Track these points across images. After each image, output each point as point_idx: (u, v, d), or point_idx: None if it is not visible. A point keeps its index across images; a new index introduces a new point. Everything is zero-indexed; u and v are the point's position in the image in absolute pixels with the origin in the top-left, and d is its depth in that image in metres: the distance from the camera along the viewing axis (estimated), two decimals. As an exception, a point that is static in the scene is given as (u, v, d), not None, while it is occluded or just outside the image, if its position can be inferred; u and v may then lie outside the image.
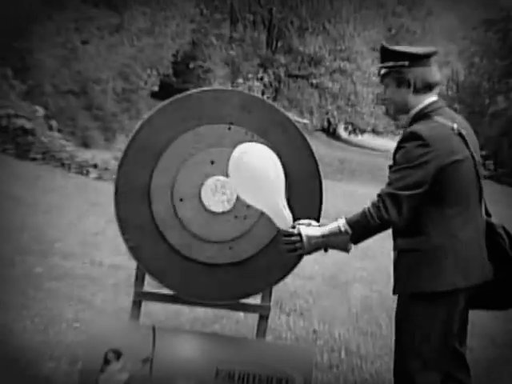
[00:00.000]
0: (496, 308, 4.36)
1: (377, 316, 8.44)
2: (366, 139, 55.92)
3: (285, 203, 4.18)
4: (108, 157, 19.27)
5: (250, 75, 38.01)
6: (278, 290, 6.46)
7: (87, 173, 18.46)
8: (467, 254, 3.97)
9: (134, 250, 4.72)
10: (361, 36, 45.50)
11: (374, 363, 6.71)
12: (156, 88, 29.41)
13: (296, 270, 4.85)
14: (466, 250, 3.97)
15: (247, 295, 4.86)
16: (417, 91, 4.11)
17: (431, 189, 3.91)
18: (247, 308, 5.02)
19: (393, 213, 3.87)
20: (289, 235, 4.12)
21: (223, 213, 4.69)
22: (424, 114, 4.08)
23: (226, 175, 4.32)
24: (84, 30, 26.58)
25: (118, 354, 4.71)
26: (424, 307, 4.01)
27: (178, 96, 4.82)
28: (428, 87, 4.12)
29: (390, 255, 4.24)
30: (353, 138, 54.74)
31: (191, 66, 36.55)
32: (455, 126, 3.99)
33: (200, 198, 4.68)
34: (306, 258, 4.80)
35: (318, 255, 4.35)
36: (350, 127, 52.23)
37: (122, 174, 4.70)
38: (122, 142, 20.76)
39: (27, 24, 22.92)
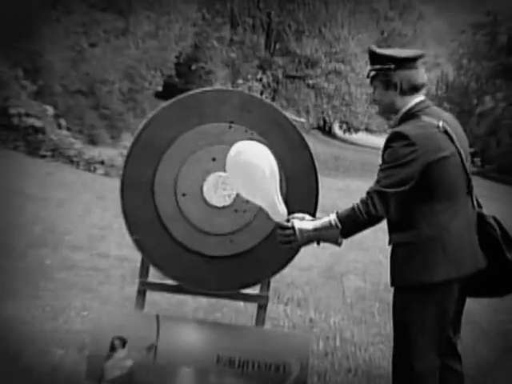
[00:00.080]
0: (492, 295, 4.36)
1: (370, 305, 8.44)
2: (360, 137, 55.90)
3: (279, 198, 4.19)
4: (114, 154, 19.26)
5: (249, 76, 38.07)
6: (276, 280, 6.47)
7: (94, 169, 18.46)
8: (458, 246, 3.97)
9: (139, 243, 4.73)
10: (355, 39, 45.47)
11: (368, 350, 6.71)
12: (160, 88, 29.39)
13: (293, 262, 4.85)
14: (456, 241, 3.96)
15: (247, 285, 4.86)
16: (403, 93, 4.11)
17: (420, 185, 3.90)
18: (247, 298, 5.01)
19: (380, 209, 3.89)
20: (283, 228, 4.14)
21: (224, 207, 4.69)
22: (411, 114, 4.08)
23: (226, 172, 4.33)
24: (91, 33, 26.59)
25: (123, 342, 4.72)
26: (419, 298, 4.01)
27: (181, 96, 4.82)
28: (414, 89, 4.12)
29: (383, 248, 4.26)
30: (347, 136, 54.74)
31: (193, 67, 36.56)
32: (440, 123, 3.98)
33: (202, 193, 4.68)
34: (303, 251, 4.80)
35: (314, 248, 4.35)
36: (344, 126, 52.21)
37: (127, 171, 4.71)
38: (127, 140, 20.74)
39: (37, 27, 22.92)
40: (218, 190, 4.67)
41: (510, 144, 35.53)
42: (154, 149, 4.68)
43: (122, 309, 6.39)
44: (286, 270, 5.00)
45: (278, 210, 4.17)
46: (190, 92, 4.87)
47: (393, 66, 4.09)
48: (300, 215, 4.21)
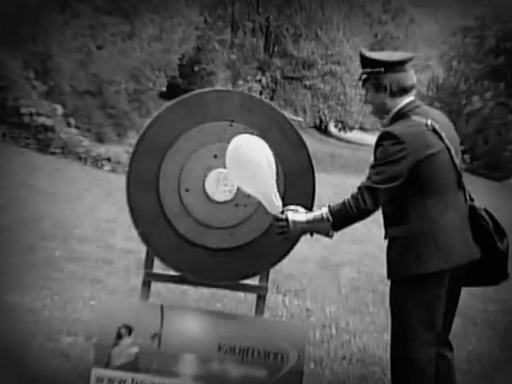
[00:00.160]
0: (487, 284, 4.37)
1: (364, 296, 8.45)
2: (355, 135, 55.84)
3: (275, 191, 4.22)
4: (120, 151, 19.27)
5: (249, 77, 38.06)
6: (275, 272, 6.47)
7: (101, 166, 18.46)
8: (449, 238, 3.98)
9: (144, 236, 4.72)
10: (350, 42, 45.41)
11: (362, 338, 6.71)
12: (164, 89, 29.37)
13: (291, 254, 4.85)
14: (448, 234, 3.97)
15: (247, 277, 4.86)
16: (393, 94, 4.12)
17: (411, 181, 3.93)
18: (246, 288, 5.01)
19: (370, 204, 3.92)
20: (278, 220, 4.18)
21: (225, 202, 4.68)
22: (402, 114, 4.10)
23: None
24: (98, 36, 26.56)
25: (129, 330, 4.72)
26: (414, 290, 4.03)
27: (184, 96, 4.81)
28: (404, 90, 4.13)
29: (376, 241, 4.26)
30: (342, 134, 54.66)
31: (196, 68, 36.51)
32: (429, 122, 3.99)
33: (204, 188, 4.67)
34: (300, 243, 4.82)
35: (311, 241, 4.37)
36: (340, 125, 52.14)
37: (132, 167, 4.70)
38: (133, 138, 20.74)
39: (47, 31, 22.93)
40: (219, 186, 4.67)
41: (497, 142, 35.59)
42: (158, 146, 4.68)
43: (127, 299, 6.39)
44: (284, 262, 5.00)
45: (274, 202, 4.20)
46: (193, 92, 4.87)
47: (382, 70, 4.10)
48: (294, 207, 4.24)
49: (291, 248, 4.81)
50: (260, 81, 40.43)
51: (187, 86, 29.61)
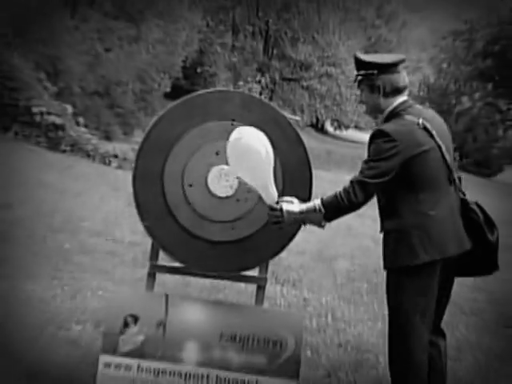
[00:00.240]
0: (478, 274, 4.37)
1: (358, 286, 8.45)
2: (350, 134, 55.87)
3: (272, 181, 4.24)
4: (127, 148, 19.26)
5: (249, 78, 38.01)
6: (274, 263, 6.47)
7: (109, 162, 18.45)
8: (441, 231, 3.98)
9: (150, 229, 4.72)
10: (345, 45, 45.43)
11: (356, 327, 6.71)
12: (168, 89, 29.38)
13: (289, 247, 4.85)
14: (439, 227, 3.98)
15: (247, 268, 4.85)
16: (386, 95, 4.13)
17: (403, 177, 3.95)
18: (247, 279, 5.01)
19: (360, 197, 3.94)
20: (273, 209, 4.20)
21: (226, 197, 4.68)
22: (395, 114, 4.11)
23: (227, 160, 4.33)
24: (106, 39, 26.57)
25: (135, 319, 4.72)
26: (408, 280, 4.04)
27: (187, 96, 4.81)
28: (397, 91, 4.13)
29: (370, 234, 4.26)
30: (338, 132, 54.70)
31: (199, 70, 36.55)
32: (420, 121, 4.00)
33: (206, 184, 4.67)
34: (298, 237, 4.82)
35: (308, 234, 4.37)
36: (335, 123, 52.20)
37: (139, 164, 4.70)
38: (139, 136, 20.78)
39: (57, 34, 22.94)
40: (221, 182, 4.67)
41: (485, 140, 35.65)
42: (163, 144, 4.67)
43: (134, 289, 6.38)
44: (283, 254, 5.00)
45: (270, 192, 4.23)
46: (196, 93, 4.86)
47: (376, 72, 4.11)
48: (289, 199, 4.26)
49: (289, 241, 4.81)
50: (260, 82, 40.42)
51: (190, 87, 29.66)
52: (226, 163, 4.46)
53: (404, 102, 4.14)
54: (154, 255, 4.86)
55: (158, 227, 4.72)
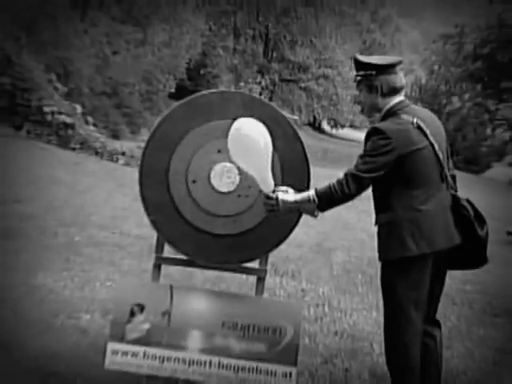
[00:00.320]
0: (468, 268, 4.35)
1: (354, 277, 8.44)
2: (346, 132, 55.81)
3: (269, 171, 4.23)
4: (133, 146, 19.27)
5: (250, 80, 38.07)
6: (273, 255, 6.45)
7: (116, 159, 18.47)
8: (431, 225, 3.97)
9: (155, 223, 4.72)
10: (341, 48, 45.47)
11: (352, 316, 6.70)
12: (173, 90, 29.39)
13: (288, 240, 4.85)
14: (430, 221, 3.97)
15: (248, 260, 4.85)
16: (384, 95, 4.12)
17: (396, 173, 3.95)
18: (248, 271, 5.00)
19: (353, 189, 3.95)
20: (269, 198, 4.19)
21: (228, 192, 4.67)
22: (392, 112, 4.10)
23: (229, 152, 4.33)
24: (114, 42, 26.60)
25: (141, 308, 4.72)
26: (400, 270, 4.03)
27: (191, 97, 4.80)
28: (394, 91, 4.13)
29: (365, 228, 4.26)
30: (334, 131, 54.64)
31: (202, 72, 36.57)
32: (415, 120, 3.99)
33: (209, 180, 4.67)
34: (296, 230, 4.81)
35: (307, 228, 4.36)
36: (332, 122, 52.14)
37: (145, 161, 4.70)
38: (145, 135, 20.79)
39: (68, 38, 22.96)
40: (223, 178, 4.67)
41: (474, 139, 35.66)
42: (167, 142, 4.67)
43: (140, 280, 6.38)
44: (282, 247, 4.99)
45: (267, 181, 4.22)
46: (199, 93, 4.86)
47: (374, 72, 4.10)
48: (284, 188, 4.27)
49: (288, 234, 4.81)
50: (260, 83, 40.48)
51: (194, 88, 29.65)
52: (229, 161, 4.47)
53: (400, 102, 4.13)
54: (159, 248, 4.86)
55: (163, 221, 4.72)
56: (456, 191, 4.25)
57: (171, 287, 4.80)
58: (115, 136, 23.36)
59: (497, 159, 36.94)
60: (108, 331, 4.83)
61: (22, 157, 14.90)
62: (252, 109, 4.69)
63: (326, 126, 55.42)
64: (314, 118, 48.40)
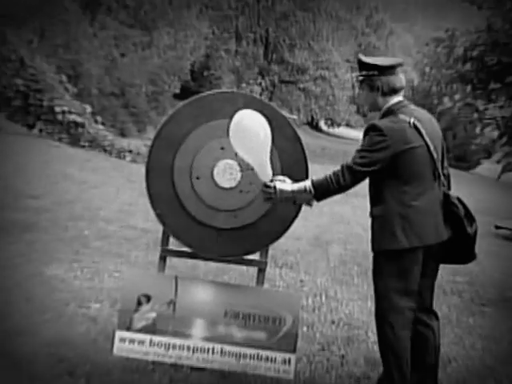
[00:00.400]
0: (457, 262, 4.36)
1: (350, 269, 8.44)
2: (342, 131, 55.73)
3: (268, 161, 4.25)
4: (140, 144, 19.26)
5: (251, 81, 38.03)
6: (273, 248, 6.46)
7: (124, 157, 18.45)
8: (421, 221, 3.99)
9: (161, 217, 4.72)
10: (337, 51, 45.34)
11: (348, 305, 6.71)
12: (178, 91, 29.32)
13: (287, 233, 4.85)
14: (420, 217, 3.98)
15: (249, 252, 4.85)
16: (384, 94, 4.14)
17: (390, 169, 3.97)
18: (249, 263, 5.00)
19: (348, 180, 3.98)
20: (267, 187, 4.21)
21: (231, 188, 4.68)
22: (390, 111, 4.11)
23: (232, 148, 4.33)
24: (122, 45, 26.58)
25: (148, 298, 4.72)
26: (389, 261, 4.06)
27: (195, 97, 4.80)
28: (393, 91, 4.15)
29: (361, 222, 4.26)
30: (331, 130, 54.55)
31: (205, 73, 36.50)
32: (411, 120, 4.01)
33: (212, 176, 4.67)
34: (295, 224, 4.82)
35: (305, 221, 4.36)
36: (329, 122, 52.01)
37: (151, 158, 4.71)
38: (151, 133, 20.78)
39: (77, 41, 22.95)
40: (225, 174, 4.67)
41: (464, 137, 35.60)
42: (172, 140, 4.67)
43: (146, 271, 6.38)
44: (281, 240, 4.99)
45: (266, 170, 4.24)
46: (203, 94, 4.86)
47: (376, 72, 4.10)
48: (282, 178, 4.30)
49: (287, 228, 4.81)
50: (260, 84, 40.41)
51: (198, 89, 29.58)
52: (231, 157, 4.48)
53: (399, 102, 4.16)
54: (164, 241, 4.86)
55: (169, 215, 4.72)
56: (449, 189, 4.25)
57: (176, 278, 4.80)
58: (123, 134, 23.33)
59: (485, 156, 36.89)
60: (116, 320, 4.84)
61: (35, 154, 14.90)
62: (253, 109, 4.68)
63: (323, 125, 55.30)
64: (312, 117, 48.26)
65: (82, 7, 24.76)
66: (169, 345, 4.68)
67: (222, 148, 4.65)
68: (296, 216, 4.78)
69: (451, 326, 6.38)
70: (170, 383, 4.34)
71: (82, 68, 22.91)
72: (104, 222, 9.40)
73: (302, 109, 44.62)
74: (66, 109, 18.57)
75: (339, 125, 51.94)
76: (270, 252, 5.37)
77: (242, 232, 4.74)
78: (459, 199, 4.20)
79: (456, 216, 4.12)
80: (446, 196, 4.16)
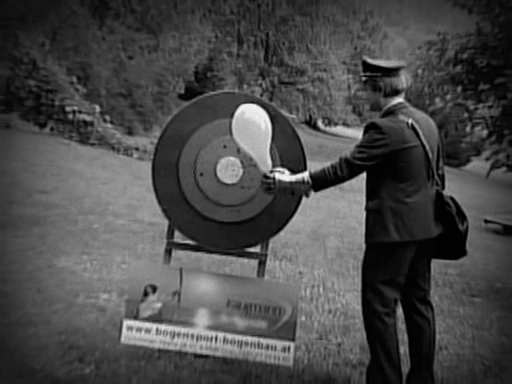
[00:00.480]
0: (449, 258, 4.35)
1: (346, 261, 8.44)
2: (339, 130, 55.74)
3: (268, 153, 4.26)
4: (147, 142, 19.27)
5: (252, 82, 38.06)
6: (273, 241, 6.46)
7: (131, 154, 18.47)
8: (413, 217, 3.98)
9: (166, 212, 4.72)
10: (334, 53, 45.32)
11: (345, 296, 6.70)
12: (182, 91, 29.30)
13: (286, 227, 4.84)
14: (412, 213, 3.97)
15: (250, 245, 4.84)
16: (386, 95, 4.13)
17: (386, 166, 3.96)
18: (250, 255, 4.99)
19: (345, 173, 3.98)
20: (266, 177, 4.22)
21: (233, 184, 4.67)
22: (391, 111, 4.10)
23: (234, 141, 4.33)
24: (129, 48, 26.58)
25: (154, 288, 4.72)
26: (379, 253, 4.07)
27: (199, 97, 4.79)
28: (395, 92, 4.14)
29: (357, 217, 4.25)
30: (328, 129, 54.57)
31: (208, 75, 36.51)
32: (410, 121, 4.00)
33: (215, 173, 4.66)
34: (294, 218, 4.81)
35: (304, 216, 4.35)
36: (326, 121, 52.04)
37: (157, 155, 4.70)
38: (157, 132, 20.74)
39: (87, 44, 22.96)
40: (228, 171, 4.66)
41: (455, 136, 35.63)
42: (177, 139, 4.66)
43: (152, 263, 6.38)
44: (281, 234, 4.99)
45: (266, 161, 4.24)
46: (206, 94, 4.86)
47: (380, 74, 4.09)
48: (281, 169, 4.30)
49: (286, 223, 4.80)
50: (261, 85, 40.43)
51: (201, 89, 29.60)
52: (233, 155, 4.47)
53: (400, 103, 4.15)
54: (169, 234, 4.86)
55: (174, 210, 4.71)
56: (443, 189, 4.24)
57: (181, 270, 4.80)
58: (130, 133, 23.35)
59: (475, 154, 36.96)
60: (124, 309, 4.84)
61: (47, 152, 14.90)
62: (254, 108, 4.68)
63: (320, 124, 55.31)
64: (310, 116, 48.26)
65: (91, 12, 24.78)
66: (174, 333, 4.68)
67: (225, 146, 4.65)
68: (295, 212, 4.77)
69: (443, 316, 6.37)
70: (175, 370, 4.33)
71: (92, 70, 22.93)
72: (112, 216, 9.40)
73: (301, 108, 44.63)
74: (76, 108, 18.59)
75: (336, 124, 51.96)
76: (270, 245, 5.37)
77: (244, 226, 4.74)
78: (452, 198, 4.19)
79: (448, 214, 4.11)
80: (440, 195, 4.15)
